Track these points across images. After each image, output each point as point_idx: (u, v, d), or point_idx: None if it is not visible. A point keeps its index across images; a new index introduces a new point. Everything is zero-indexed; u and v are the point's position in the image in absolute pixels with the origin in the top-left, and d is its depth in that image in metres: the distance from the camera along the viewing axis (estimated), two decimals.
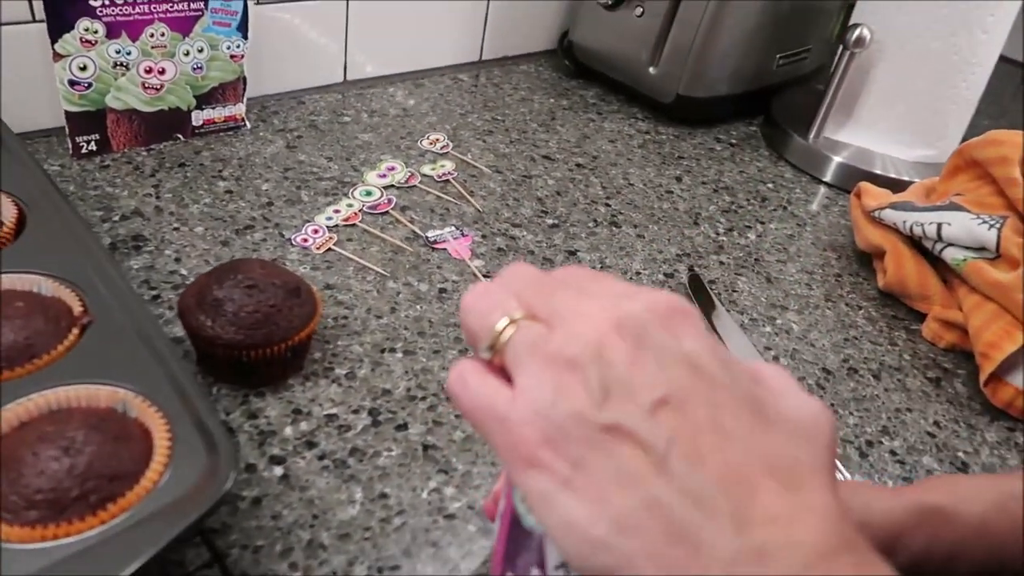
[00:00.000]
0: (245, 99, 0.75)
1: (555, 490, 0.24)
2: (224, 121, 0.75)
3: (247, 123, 0.76)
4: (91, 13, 0.63)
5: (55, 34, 0.62)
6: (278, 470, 0.45)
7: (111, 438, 0.36)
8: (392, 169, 0.74)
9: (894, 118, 0.84)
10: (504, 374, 0.27)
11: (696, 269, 0.68)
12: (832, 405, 0.56)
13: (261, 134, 0.76)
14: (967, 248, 0.62)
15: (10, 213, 0.49)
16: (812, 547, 0.23)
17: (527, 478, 0.25)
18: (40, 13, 0.62)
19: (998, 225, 0.60)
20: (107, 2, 0.63)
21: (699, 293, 0.65)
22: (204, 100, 0.72)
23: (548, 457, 0.25)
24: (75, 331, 0.42)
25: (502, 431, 0.26)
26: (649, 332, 0.25)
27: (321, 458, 0.46)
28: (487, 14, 0.94)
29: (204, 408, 0.39)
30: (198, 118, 0.73)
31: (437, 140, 0.80)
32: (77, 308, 0.43)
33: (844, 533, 0.24)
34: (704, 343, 0.26)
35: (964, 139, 0.71)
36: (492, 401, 0.26)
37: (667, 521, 0.23)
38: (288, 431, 0.47)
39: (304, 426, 0.48)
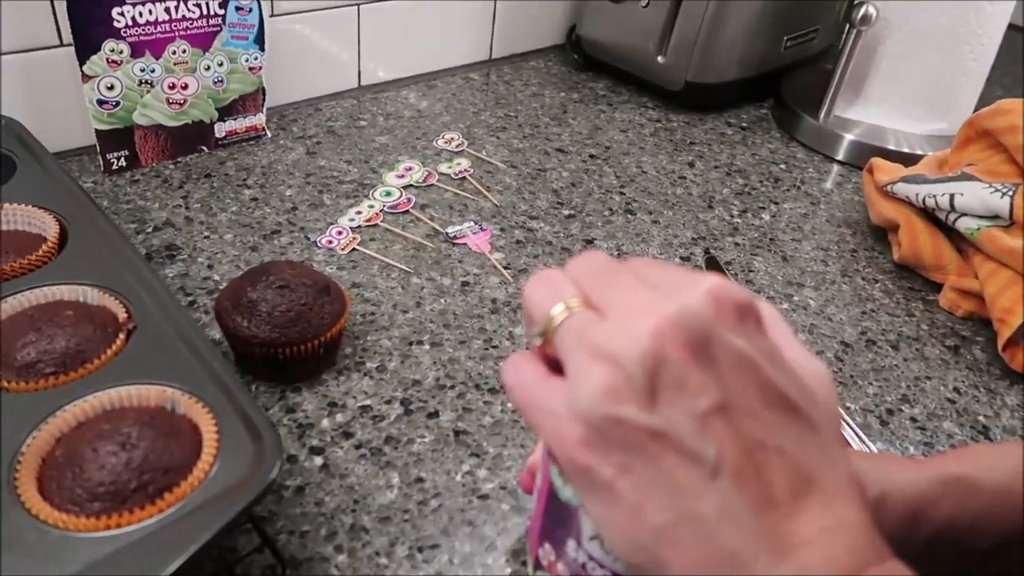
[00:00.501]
0: (265, 109, 0.77)
1: (598, 489, 0.24)
2: (246, 131, 0.77)
3: (268, 132, 0.79)
4: (116, 34, 0.65)
5: (83, 56, 0.65)
6: (318, 460, 0.47)
7: (163, 434, 0.38)
8: (410, 169, 0.76)
9: (904, 93, 0.85)
10: (560, 364, 0.26)
11: (712, 251, 0.69)
12: (851, 376, 0.57)
13: (282, 142, 0.78)
14: (980, 217, 0.63)
15: (52, 228, 0.51)
16: (847, 566, 0.23)
17: (571, 474, 0.25)
18: (67, 37, 0.65)
19: (1011, 193, 0.61)
20: (130, 23, 0.66)
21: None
22: (226, 112, 0.75)
23: (590, 459, 0.24)
24: (121, 336, 0.44)
25: (546, 424, 0.25)
26: (707, 329, 0.24)
27: (358, 447, 0.48)
28: (495, 13, 0.96)
29: (247, 403, 0.41)
30: (221, 130, 0.75)
31: (452, 139, 0.81)
32: (122, 315, 0.46)
33: (874, 545, 0.24)
34: (762, 342, 0.25)
35: (976, 110, 0.71)
36: (536, 391, 0.26)
37: (706, 540, 0.23)
38: (325, 423, 0.49)
39: (340, 418, 0.50)
